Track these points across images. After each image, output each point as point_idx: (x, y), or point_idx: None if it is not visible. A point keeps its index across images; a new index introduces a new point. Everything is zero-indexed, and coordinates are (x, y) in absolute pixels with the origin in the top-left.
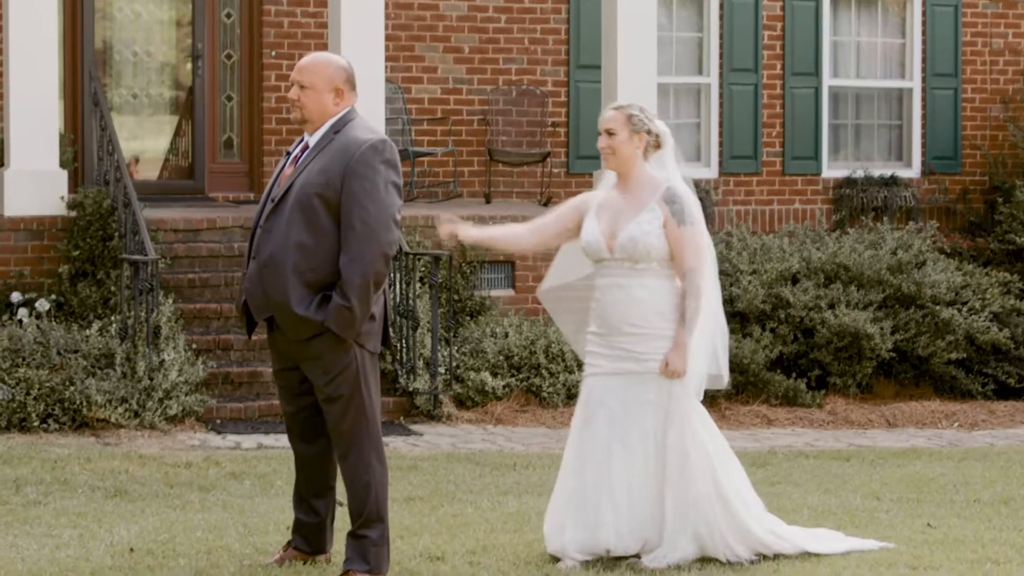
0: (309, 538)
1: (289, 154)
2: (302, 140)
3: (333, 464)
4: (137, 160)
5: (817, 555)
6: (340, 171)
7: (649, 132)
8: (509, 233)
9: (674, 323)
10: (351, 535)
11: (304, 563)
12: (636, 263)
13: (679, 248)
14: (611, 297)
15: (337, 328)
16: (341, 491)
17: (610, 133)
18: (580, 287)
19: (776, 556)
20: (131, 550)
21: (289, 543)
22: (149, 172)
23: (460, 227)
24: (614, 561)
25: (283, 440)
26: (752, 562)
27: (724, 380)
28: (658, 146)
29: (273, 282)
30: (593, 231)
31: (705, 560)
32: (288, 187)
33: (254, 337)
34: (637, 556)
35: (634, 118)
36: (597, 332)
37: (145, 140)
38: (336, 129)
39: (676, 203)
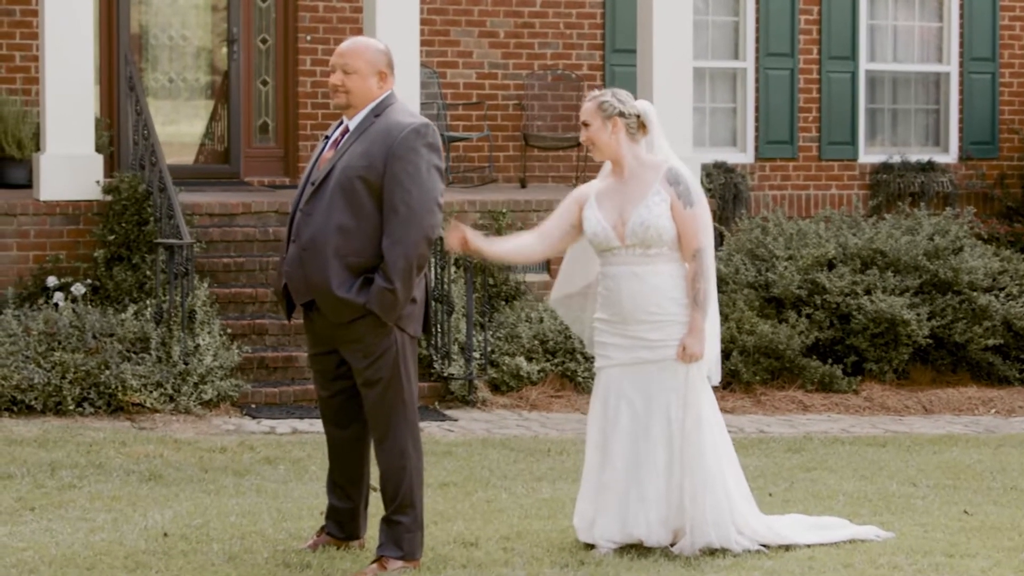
0: (343, 523)
1: (328, 138)
2: (341, 124)
3: (367, 449)
4: None
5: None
6: (382, 154)
7: (622, 114)
8: (520, 245)
9: (685, 307)
10: (385, 520)
11: (337, 548)
12: (648, 248)
13: (689, 229)
14: (626, 287)
15: (380, 311)
16: (375, 476)
17: (586, 125)
18: (587, 290)
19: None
20: (165, 534)
21: (323, 528)
22: (185, 156)
23: (469, 234)
24: (648, 548)
25: (318, 425)
26: (764, 548)
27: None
28: (643, 127)
29: (314, 265)
30: (598, 220)
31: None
32: (329, 170)
33: (289, 322)
34: (671, 545)
35: (604, 104)
36: (608, 320)
37: (181, 124)
38: (376, 113)
39: (681, 184)
